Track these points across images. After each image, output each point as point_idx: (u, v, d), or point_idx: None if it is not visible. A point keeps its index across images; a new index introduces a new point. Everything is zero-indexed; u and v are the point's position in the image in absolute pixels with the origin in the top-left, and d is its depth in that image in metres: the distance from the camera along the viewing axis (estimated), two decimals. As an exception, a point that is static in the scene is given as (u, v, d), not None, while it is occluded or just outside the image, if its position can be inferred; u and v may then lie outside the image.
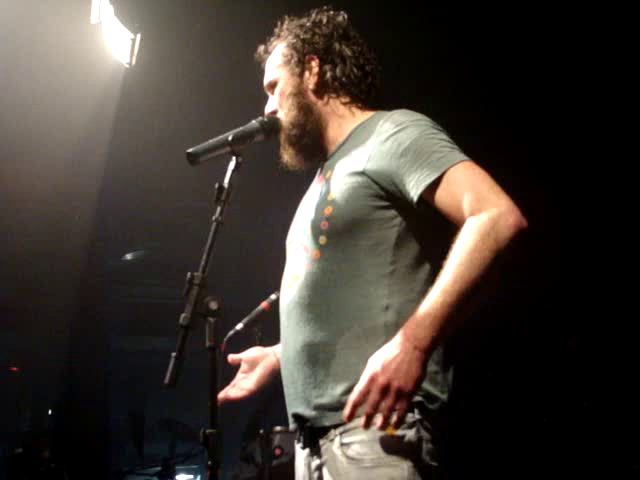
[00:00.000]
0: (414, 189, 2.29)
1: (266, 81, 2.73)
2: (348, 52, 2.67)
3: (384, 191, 2.37)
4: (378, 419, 2.08)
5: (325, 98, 2.65)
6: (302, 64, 2.65)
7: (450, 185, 2.25)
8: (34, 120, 6.40)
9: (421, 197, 2.28)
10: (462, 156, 2.30)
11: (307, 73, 2.65)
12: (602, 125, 6.84)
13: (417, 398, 2.23)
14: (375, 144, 2.41)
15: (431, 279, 2.29)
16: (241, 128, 2.46)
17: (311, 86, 2.65)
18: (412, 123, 2.40)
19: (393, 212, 2.38)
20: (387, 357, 2.10)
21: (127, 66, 6.27)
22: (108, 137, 7.00)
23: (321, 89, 2.65)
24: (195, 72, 6.66)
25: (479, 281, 2.10)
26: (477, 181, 2.23)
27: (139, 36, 6.07)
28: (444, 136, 2.38)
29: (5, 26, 5.81)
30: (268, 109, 2.70)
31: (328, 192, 2.48)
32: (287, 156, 2.67)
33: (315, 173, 2.75)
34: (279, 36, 2.74)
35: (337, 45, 2.67)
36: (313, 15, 2.72)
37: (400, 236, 2.38)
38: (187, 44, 6.43)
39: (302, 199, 2.73)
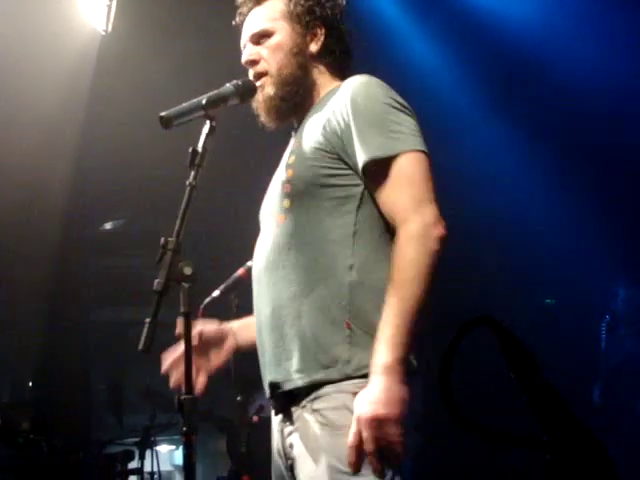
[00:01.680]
0: (360, 159, 2.35)
1: (256, 29, 2.68)
2: (344, 30, 2.73)
3: (339, 154, 2.41)
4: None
5: (320, 66, 2.69)
6: (308, 27, 2.67)
7: (390, 174, 2.33)
8: (8, 89, 6.33)
9: (365, 169, 2.35)
10: (414, 144, 2.35)
11: (309, 37, 2.67)
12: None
13: None
14: (336, 107, 2.45)
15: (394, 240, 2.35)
16: (215, 91, 2.46)
17: (313, 51, 2.67)
18: (375, 89, 2.46)
19: (353, 173, 2.41)
20: (363, 400, 2.16)
21: (103, 33, 6.20)
22: (85, 104, 6.94)
23: (320, 57, 2.68)
24: (172, 38, 6.61)
25: (421, 293, 2.20)
26: (415, 182, 2.32)
27: (114, 2, 5.99)
28: (405, 116, 2.42)
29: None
30: (250, 57, 2.67)
31: (290, 156, 2.52)
32: (269, 110, 2.65)
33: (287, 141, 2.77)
34: None
35: (337, 22, 2.72)
36: None
37: (362, 197, 2.40)
38: (164, 9, 6.37)
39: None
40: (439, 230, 2.25)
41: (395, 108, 2.42)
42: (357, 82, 2.49)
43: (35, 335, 7.92)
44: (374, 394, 2.13)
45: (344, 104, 2.43)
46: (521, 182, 7.65)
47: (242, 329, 2.76)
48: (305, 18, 2.66)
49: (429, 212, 2.27)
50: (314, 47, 2.67)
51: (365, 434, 2.12)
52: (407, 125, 2.39)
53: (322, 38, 2.67)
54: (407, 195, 2.30)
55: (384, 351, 2.16)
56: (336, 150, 2.41)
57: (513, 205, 7.50)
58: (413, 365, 2.30)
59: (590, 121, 7.18)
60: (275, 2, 2.70)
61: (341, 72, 2.70)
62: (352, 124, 2.38)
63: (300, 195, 2.44)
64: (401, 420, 2.12)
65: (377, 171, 2.34)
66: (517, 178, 7.63)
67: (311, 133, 2.49)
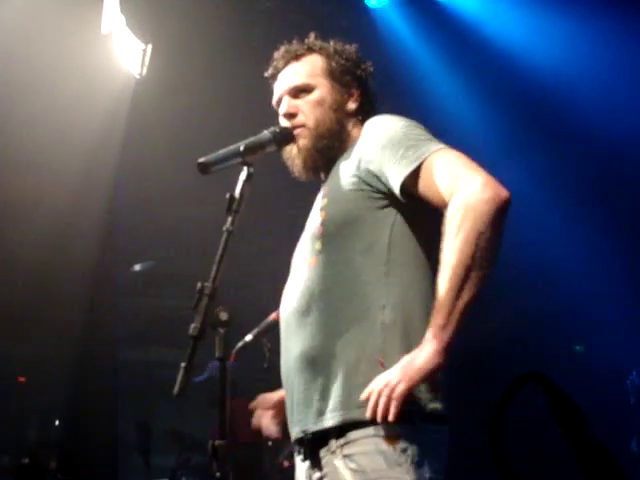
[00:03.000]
0: (395, 182, 2.39)
1: (297, 82, 2.74)
2: (373, 92, 2.83)
3: (376, 191, 2.46)
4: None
5: (353, 122, 2.75)
6: (347, 87, 2.76)
7: (428, 173, 2.34)
8: (45, 131, 6.41)
9: (403, 188, 2.37)
10: (437, 145, 2.39)
11: (346, 96, 2.75)
12: None
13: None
14: (361, 148, 2.52)
15: (427, 276, 2.40)
16: (253, 138, 2.47)
17: (350, 110, 2.75)
18: (388, 122, 2.54)
19: (386, 212, 2.46)
20: (410, 357, 2.22)
21: (138, 76, 6.28)
22: (119, 147, 7.00)
23: (354, 115, 2.75)
24: (205, 82, 6.67)
25: (476, 261, 2.19)
26: (451, 163, 2.33)
27: (150, 46, 6.07)
28: (420, 130, 2.49)
29: (16, 37, 5.83)
30: (290, 110, 2.71)
31: (322, 200, 2.57)
32: (305, 161, 2.69)
33: (319, 190, 2.80)
34: (311, 48, 2.80)
35: (368, 84, 2.82)
36: (349, 48, 2.84)
37: (393, 235, 2.44)
38: (198, 54, 6.45)
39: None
40: (489, 191, 2.22)
41: (410, 125, 2.49)
42: (376, 120, 2.58)
43: (63, 375, 7.95)
44: (417, 357, 2.20)
45: (370, 142, 2.49)
46: (551, 228, 7.62)
47: None
48: (344, 78, 2.75)
49: (474, 179, 2.25)
50: (352, 105, 2.75)
51: (392, 384, 2.18)
52: (425, 134, 2.45)
53: (359, 98, 2.76)
54: (448, 176, 2.31)
55: (435, 317, 2.21)
56: (372, 185, 2.45)
57: (540, 250, 7.47)
58: (442, 413, 2.31)
59: (618, 164, 7.16)
60: (314, 59, 2.77)
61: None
62: (383, 154, 2.43)
63: (332, 237, 2.47)
64: (415, 385, 2.20)
65: (415, 182, 2.36)
66: (551, 221, 7.60)
67: (343, 176, 2.54)
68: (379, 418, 2.17)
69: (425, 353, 2.18)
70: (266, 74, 2.86)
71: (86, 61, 6.15)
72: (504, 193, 2.22)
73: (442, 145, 2.39)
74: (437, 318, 2.20)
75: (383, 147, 2.43)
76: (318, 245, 2.48)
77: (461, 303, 2.19)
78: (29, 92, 6.17)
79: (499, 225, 2.21)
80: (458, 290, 2.19)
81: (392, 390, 2.17)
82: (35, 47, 5.97)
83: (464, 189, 2.23)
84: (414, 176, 2.35)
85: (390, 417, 2.17)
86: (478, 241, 2.18)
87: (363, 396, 2.22)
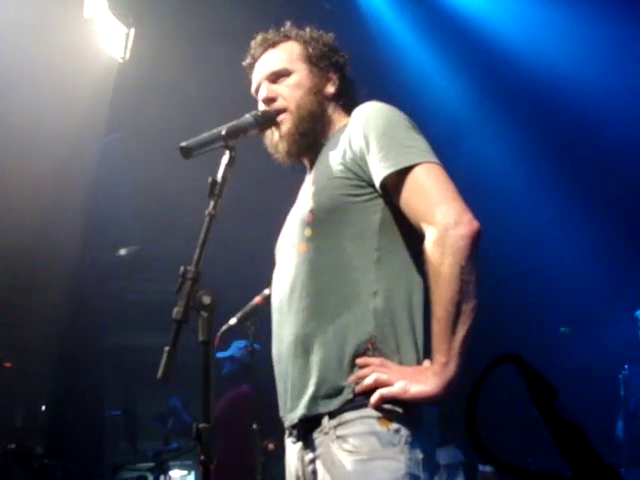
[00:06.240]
0: (377, 177, 2.42)
1: (276, 67, 2.77)
2: (351, 79, 2.87)
3: (362, 179, 2.47)
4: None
5: (335, 106, 2.79)
6: (324, 71, 2.79)
7: (408, 184, 2.39)
8: (27, 115, 6.38)
9: (383, 186, 2.41)
10: (426, 157, 2.41)
11: (324, 80, 2.78)
12: None
13: None
14: (350, 135, 2.54)
15: (418, 262, 2.42)
16: (235, 122, 2.47)
17: (329, 93, 2.78)
18: (381, 112, 2.54)
19: (373, 198, 2.47)
20: (415, 369, 2.34)
21: (121, 60, 6.25)
22: (102, 131, 6.99)
23: (334, 99, 2.79)
24: (189, 66, 6.65)
25: (463, 294, 2.25)
26: (432, 188, 2.36)
27: (133, 30, 6.05)
28: (414, 133, 2.49)
29: (-3, 20, 5.80)
30: (269, 95, 2.73)
31: (311, 187, 2.57)
32: (288, 145, 2.70)
33: (304, 172, 2.82)
34: (287, 36, 2.83)
35: (346, 70, 2.86)
36: (325, 35, 2.87)
37: (383, 222, 2.45)
38: (181, 38, 6.42)
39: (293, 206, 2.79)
40: (462, 227, 2.27)
41: (406, 126, 2.49)
42: (367, 107, 2.57)
43: (49, 360, 7.94)
44: (423, 382, 2.25)
45: (358, 130, 2.50)
46: (537, 210, 7.63)
47: None
48: (322, 62, 2.78)
49: (448, 212, 2.29)
50: (331, 89, 2.78)
51: (382, 372, 2.28)
52: (419, 141, 2.46)
53: (337, 82, 2.79)
54: (425, 201, 2.34)
55: (435, 356, 2.26)
56: (358, 175, 2.46)
57: (529, 232, 7.49)
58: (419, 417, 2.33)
59: (609, 152, 7.17)
60: (292, 45, 2.81)
61: (350, 111, 2.76)
62: (368, 146, 2.45)
63: (322, 224, 2.47)
64: (404, 400, 2.25)
65: (395, 185, 2.39)
66: (533, 205, 7.61)
67: (330, 163, 2.54)
68: (372, 403, 2.26)
69: (428, 387, 2.24)
70: (244, 63, 2.87)
71: (68, 45, 6.11)
72: (476, 225, 2.29)
73: (432, 158, 2.41)
74: (438, 357, 2.25)
75: (372, 139, 2.45)
76: (308, 232, 2.49)
77: (459, 337, 2.24)
78: (10, 76, 6.13)
79: (476, 255, 2.28)
80: (453, 326, 2.24)
81: (385, 384, 2.25)
82: (16, 30, 5.93)
83: (440, 222, 2.29)
84: (396, 179, 2.38)
85: (371, 402, 2.26)
86: (462, 275, 2.24)
87: (360, 375, 2.30)
